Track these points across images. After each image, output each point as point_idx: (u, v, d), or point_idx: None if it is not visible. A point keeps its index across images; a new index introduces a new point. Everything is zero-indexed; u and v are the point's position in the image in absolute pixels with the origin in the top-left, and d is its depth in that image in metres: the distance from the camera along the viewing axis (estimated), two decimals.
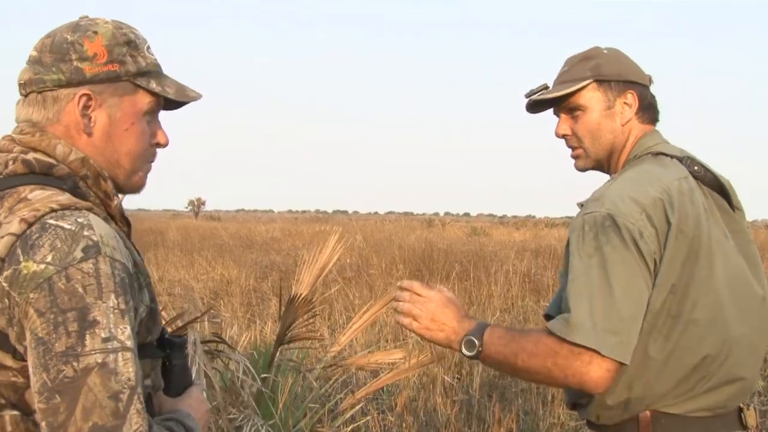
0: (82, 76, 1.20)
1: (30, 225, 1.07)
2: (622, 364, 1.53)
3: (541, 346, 1.57)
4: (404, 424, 4.67)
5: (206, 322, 4.55)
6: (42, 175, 1.16)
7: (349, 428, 4.00)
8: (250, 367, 3.23)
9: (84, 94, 1.20)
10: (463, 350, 1.66)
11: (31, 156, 1.17)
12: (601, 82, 1.76)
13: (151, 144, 1.29)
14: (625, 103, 1.77)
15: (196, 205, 58.36)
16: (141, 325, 1.13)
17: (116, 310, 1.04)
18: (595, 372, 1.52)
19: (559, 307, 1.73)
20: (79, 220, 1.08)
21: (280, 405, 3.37)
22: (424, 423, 4.76)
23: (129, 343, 1.04)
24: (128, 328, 1.05)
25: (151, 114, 1.28)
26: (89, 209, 1.12)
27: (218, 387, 3.11)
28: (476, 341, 1.65)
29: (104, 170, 1.23)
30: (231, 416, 3.15)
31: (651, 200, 1.59)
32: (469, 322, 1.69)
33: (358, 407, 4.08)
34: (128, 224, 1.28)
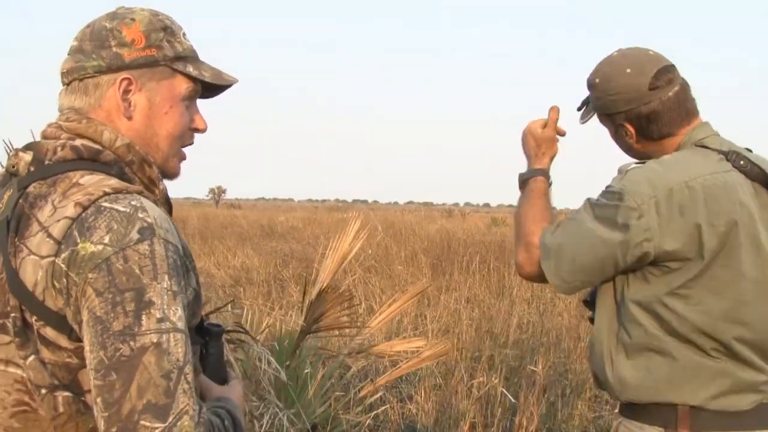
0: (122, 62, 1.23)
1: (85, 208, 1.09)
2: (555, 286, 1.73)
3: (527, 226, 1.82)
4: (423, 413, 4.69)
5: (228, 311, 4.59)
6: (90, 160, 1.19)
7: (369, 416, 4.03)
8: (272, 359, 3.26)
9: (125, 79, 1.23)
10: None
11: (78, 142, 1.20)
12: (603, 115, 1.87)
13: (190, 128, 1.32)
14: (625, 132, 1.84)
15: (217, 194, 58.78)
16: (188, 308, 1.15)
17: (169, 292, 1.07)
18: (532, 258, 1.76)
19: (595, 292, 1.77)
20: (133, 203, 1.11)
21: (307, 393, 3.40)
22: (443, 412, 4.78)
23: (180, 325, 1.07)
24: (179, 309, 1.08)
25: (190, 99, 1.31)
26: (140, 193, 1.15)
27: (240, 376, 3.14)
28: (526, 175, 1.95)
29: (148, 155, 1.25)
30: (253, 403, 3.19)
31: (666, 189, 1.63)
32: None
33: (377, 395, 4.11)
34: (171, 209, 1.31)
